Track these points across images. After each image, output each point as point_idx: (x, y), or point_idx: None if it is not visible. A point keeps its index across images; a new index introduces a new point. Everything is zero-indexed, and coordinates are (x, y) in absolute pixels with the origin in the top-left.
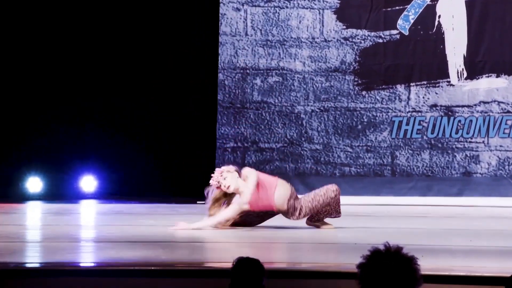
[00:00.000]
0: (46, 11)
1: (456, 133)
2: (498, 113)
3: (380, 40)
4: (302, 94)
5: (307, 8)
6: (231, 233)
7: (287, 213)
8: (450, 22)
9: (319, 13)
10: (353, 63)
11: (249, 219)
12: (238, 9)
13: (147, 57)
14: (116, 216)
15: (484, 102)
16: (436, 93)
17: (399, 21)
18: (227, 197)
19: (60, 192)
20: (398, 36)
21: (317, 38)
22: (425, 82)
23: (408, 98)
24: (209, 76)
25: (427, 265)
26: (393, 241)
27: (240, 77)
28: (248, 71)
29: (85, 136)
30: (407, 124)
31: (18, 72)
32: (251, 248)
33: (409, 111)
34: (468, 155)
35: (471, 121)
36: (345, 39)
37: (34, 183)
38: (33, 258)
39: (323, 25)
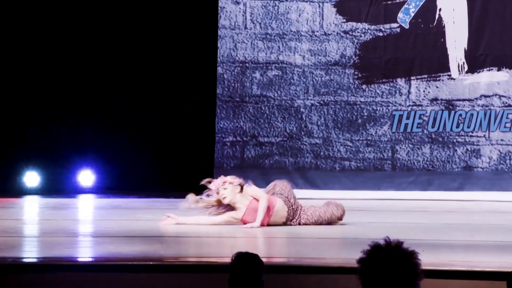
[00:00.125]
0: (44, 5)
1: (457, 127)
2: (499, 107)
3: (380, 34)
4: (301, 88)
5: (306, 1)
6: (230, 228)
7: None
8: (451, 15)
9: (319, 6)
10: (353, 57)
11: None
12: (237, 2)
13: (145, 51)
14: (114, 211)
15: (485, 96)
16: (437, 87)
17: (400, 14)
18: (221, 205)
19: (58, 186)
20: (398, 30)
21: (317, 31)
22: (425, 76)
23: (409, 92)
24: (208, 70)
25: (427, 260)
26: (393, 236)
27: (239, 70)
28: (247, 64)
29: (83, 130)
30: (408, 118)
31: (15, 67)
32: (250, 243)
33: (409, 105)
34: (469, 149)
35: (472, 115)
36: (345, 32)
37: (31, 178)
38: (30, 253)
39: (322, 18)
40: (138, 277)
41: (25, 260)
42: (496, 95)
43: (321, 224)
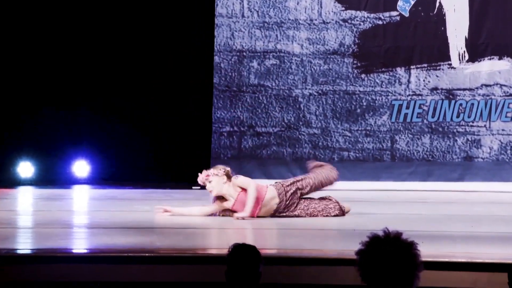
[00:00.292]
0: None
1: (457, 116)
2: (500, 96)
3: (380, 22)
4: (300, 77)
5: None
6: (226, 220)
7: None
8: (452, 3)
9: None
10: (352, 46)
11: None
12: None
13: (141, 40)
14: (109, 202)
15: (486, 85)
16: (437, 76)
17: (399, 2)
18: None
19: (52, 177)
20: (398, 18)
21: (315, 19)
22: (425, 65)
23: (408, 81)
24: (204, 59)
25: (427, 252)
26: (392, 227)
27: (236, 59)
28: (244, 53)
29: (77, 119)
30: (407, 107)
31: (10, 57)
32: (247, 235)
33: (409, 95)
34: (470, 139)
35: (472, 104)
36: (344, 21)
37: (25, 168)
38: (25, 244)
39: (321, 7)
40: (134, 269)
41: (19, 251)
42: (497, 84)
43: (316, 216)
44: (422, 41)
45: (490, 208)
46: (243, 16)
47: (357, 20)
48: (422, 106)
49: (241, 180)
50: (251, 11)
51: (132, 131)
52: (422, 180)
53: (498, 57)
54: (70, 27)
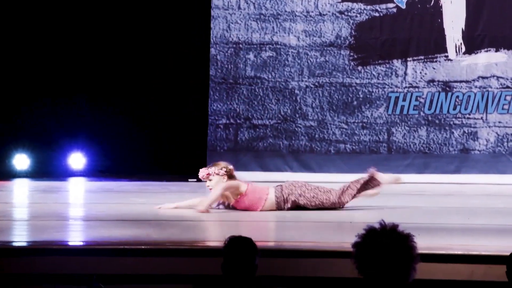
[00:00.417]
0: None
1: (454, 109)
2: (497, 88)
3: (377, 14)
4: (296, 70)
5: None
6: (223, 213)
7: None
8: None
9: None
10: (349, 38)
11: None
12: None
13: (138, 32)
14: (105, 194)
15: (483, 77)
16: (434, 68)
17: None
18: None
19: (48, 169)
20: (395, 10)
21: (312, 11)
22: (422, 57)
23: (405, 73)
24: (201, 51)
25: (423, 244)
26: (389, 219)
27: (232, 52)
28: (241, 45)
29: (73, 111)
30: (404, 100)
31: (6, 49)
32: (244, 227)
33: (406, 87)
34: (466, 131)
35: (469, 96)
36: (341, 12)
37: (21, 160)
38: (20, 237)
39: None
40: (130, 261)
41: (14, 244)
42: (493, 76)
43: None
44: (419, 33)
45: (486, 201)
46: (239, 8)
47: (353, 12)
48: (418, 98)
49: (222, 185)
50: (247, 3)
51: (128, 124)
52: (419, 172)
53: (495, 49)
54: (66, 17)
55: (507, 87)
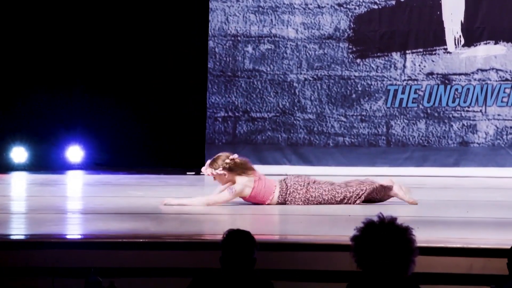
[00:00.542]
0: None
1: (453, 102)
2: (496, 81)
3: (375, 6)
4: (295, 62)
5: None
6: (221, 206)
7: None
8: None
9: None
10: (348, 30)
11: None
12: None
13: (135, 24)
14: (103, 187)
15: (482, 70)
16: (433, 61)
17: None
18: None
19: (46, 162)
20: (393, 2)
21: (311, 4)
22: (421, 50)
23: (404, 66)
24: (199, 44)
25: (422, 237)
26: (387, 213)
27: (231, 44)
28: (239, 38)
29: (71, 104)
30: (403, 92)
31: (1, 39)
32: (242, 221)
33: (404, 80)
34: (465, 124)
35: (468, 89)
36: (339, 5)
37: (19, 153)
38: (18, 230)
39: None
40: (128, 255)
41: (12, 237)
42: (493, 69)
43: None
44: (417, 26)
45: (485, 194)
46: (237, 0)
47: (352, 5)
48: (417, 91)
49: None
50: None
51: (126, 116)
52: (418, 165)
53: (494, 41)
54: (63, 7)
55: (506, 79)
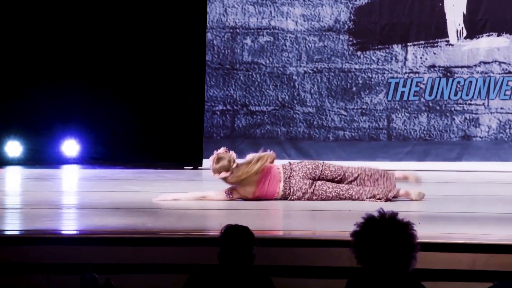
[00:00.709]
0: None
1: (455, 95)
2: (499, 74)
3: None
4: (294, 55)
5: None
6: (220, 201)
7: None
8: None
9: None
10: (348, 22)
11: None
12: None
13: (132, 16)
14: (99, 182)
15: (485, 63)
16: (434, 53)
17: None
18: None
19: (41, 156)
20: None
21: None
22: (422, 42)
23: (405, 59)
24: (197, 36)
25: (424, 233)
26: (388, 208)
27: (229, 36)
28: (238, 30)
29: (67, 97)
30: (404, 86)
31: None
32: (241, 216)
33: (406, 72)
34: (468, 118)
35: (470, 82)
36: None
37: (13, 147)
38: (12, 226)
39: None
40: (125, 250)
41: (6, 232)
42: (495, 61)
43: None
44: (419, 18)
45: (488, 188)
46: None
47: None
48: (419, 84)
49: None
50: None
51: (123, 110)
52: (419, 160)
53: (497, 33)
54: (59, 10)
55: (510, 72)
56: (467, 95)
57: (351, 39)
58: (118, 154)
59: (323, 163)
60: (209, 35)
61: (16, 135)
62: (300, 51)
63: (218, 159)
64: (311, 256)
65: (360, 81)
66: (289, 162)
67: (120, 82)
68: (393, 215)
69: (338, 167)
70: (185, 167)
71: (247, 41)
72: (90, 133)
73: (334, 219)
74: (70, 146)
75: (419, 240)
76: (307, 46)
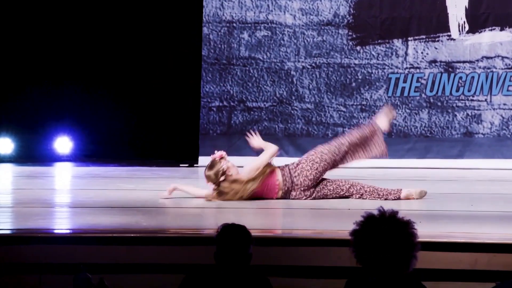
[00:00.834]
0: None
1: (457, 90)
2: (501, 69)
3: None
4: (292, 50)
5: None
6: (217, 200)
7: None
8: None
9: None
10: (347, 16)
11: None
12: None
13: (127, 11)
14: (93, 180)
15: (487, 58)
16: (436, 48)
17: None
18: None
19: (33, 154)
20: None
21: None
22: (423, 36)
23: (406, 54)
24: (192, 30)
25: (424, 232)
26: (388, 206)
27: (226, 31)
28: (234, 24)
29: (60, 94)
30: (405, 81)
31: None
32: (237, 215)
33: (406, 68)
34: (470, 114)
35: (472, 77)
36: None
37: (4, 144)
38: (4, 225)
39: None
40: (119, 250)
41: None
42: (498, 56)
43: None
44: (420, 12)
45: (490, 186)
46: None
47: None
48: (420, 79)
49: (246, 170)
50: None
51: (116, 106)
52: (420, 157)
53: (499, 27)
54: (53, 7)
55: None
56: (469, 90)
57: (350, 33)
58: (111, 151)
59: (324, 179)
60: (205, 30)
61: (7, 132)
62: (298, 46)
63: (210, 167)
64: (309, 256)
65: (360, 77)
66: (288, 169)
67: (113, 78)
68: (393, 213)
69: (337, 186)
70: (180, 165)
71: (244, 36)
72: (83, 130)
73: (333, 217)
74: (63, 143)
75: (420, 239)
76: (305, 41)
